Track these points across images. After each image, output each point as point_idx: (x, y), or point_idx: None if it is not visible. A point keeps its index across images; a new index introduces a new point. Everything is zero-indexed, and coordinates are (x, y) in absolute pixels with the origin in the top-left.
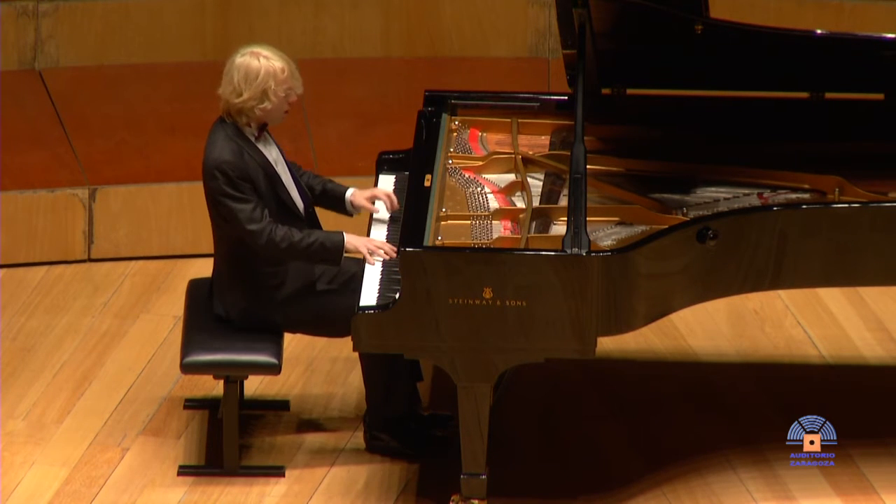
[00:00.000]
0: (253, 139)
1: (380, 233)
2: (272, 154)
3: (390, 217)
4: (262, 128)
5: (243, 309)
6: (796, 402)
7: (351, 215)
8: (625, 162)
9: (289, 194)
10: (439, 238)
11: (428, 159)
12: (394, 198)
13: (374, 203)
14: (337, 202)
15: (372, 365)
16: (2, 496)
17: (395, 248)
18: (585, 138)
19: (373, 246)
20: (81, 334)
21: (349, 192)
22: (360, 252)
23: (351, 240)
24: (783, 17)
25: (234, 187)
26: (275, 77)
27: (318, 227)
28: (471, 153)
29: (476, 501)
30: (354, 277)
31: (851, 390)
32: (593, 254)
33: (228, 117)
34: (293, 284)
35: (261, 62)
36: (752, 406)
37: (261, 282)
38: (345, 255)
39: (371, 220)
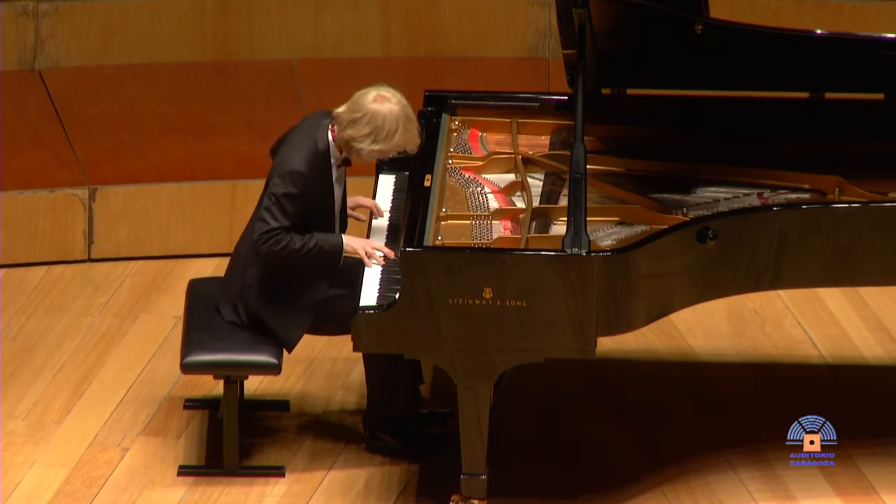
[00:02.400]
0: (334, 168)
1: (379, 236)
2: (339, 190)
3: (389, 219)
4: (348, 160)
5: (253, 302)
6: (796, 402)
7: None
8: (625, 162)
9: (333, 224)
10: (439, 238)
11: (428, 159)
12: (378, 207)
13: (370, 220)
14: None
15: (375, 365)
16: (2, 496)
17: (393, 251)
18: (585, 138)
19: (370, 248)
20: (81, 334)
21: None
22: (358, 254)
23: (350, 241)
24: (783, 17)
25: (287, 197)
26: (405, 136)
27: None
28: (471, 153)
29: (476, 501)
30: (356, 278)
31: (851, 390)
32: (593, 254)
33: (341, 145)
34: (306, 298)
35: (399, 115)
36: (752, 406)
37: (280, 284)
38: (344, 255)
39: (371, 220)
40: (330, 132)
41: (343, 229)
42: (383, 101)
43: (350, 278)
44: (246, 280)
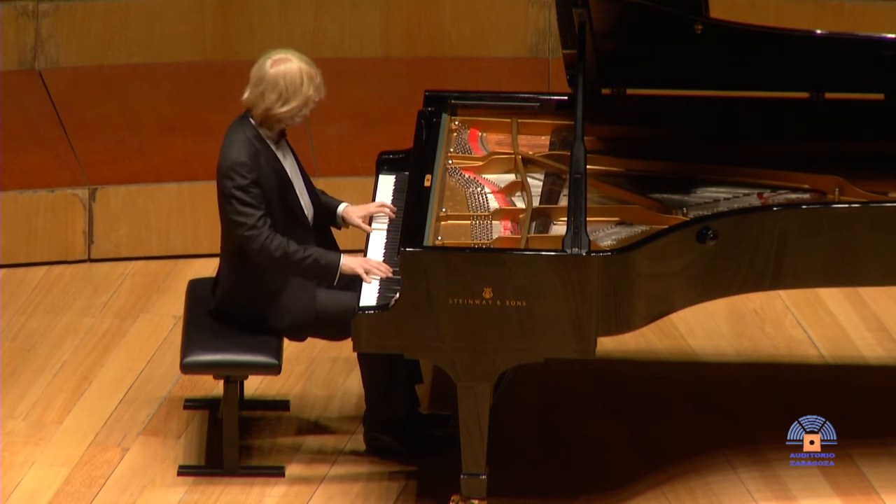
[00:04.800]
0: (273, 144)
1: (379, 235)
2: (287, 161)
3: (390, 220)
4: (283, 133)
5: (241, 306)
6: (796, 402)
7: (339, 228)
8: (625, 162)
9: (299, 203)
10: (439, 238)
11: (428, 159)
12: (390, 206)
13: (370, 221)
14: (329, 214)
15: (370, 367)
16: (2, 496)
17: (391, 269)
18: (585, 138)
19: (370, 266)
20: (81, 334)
21: (341, 207)
22: (356, 272)
23: (347, 262)
24: (783, 17)
25: (245, 191)
26: (312, 82)
27: (332, 239)
28: (471, 153)
29: (476, 501)
30: (355, 280)
31: (851, 390)
32: (593, 254)
33: (262, 125)
34: (294, 290)
35: (298, 66)
36: (752, 406)
37: (263, 284)
38: (341, 273)
39: (371, 221)
40: (251, 119)
41: (319, 206)
42: (278, 63)
43: (349, 279)
44: (237, 292)
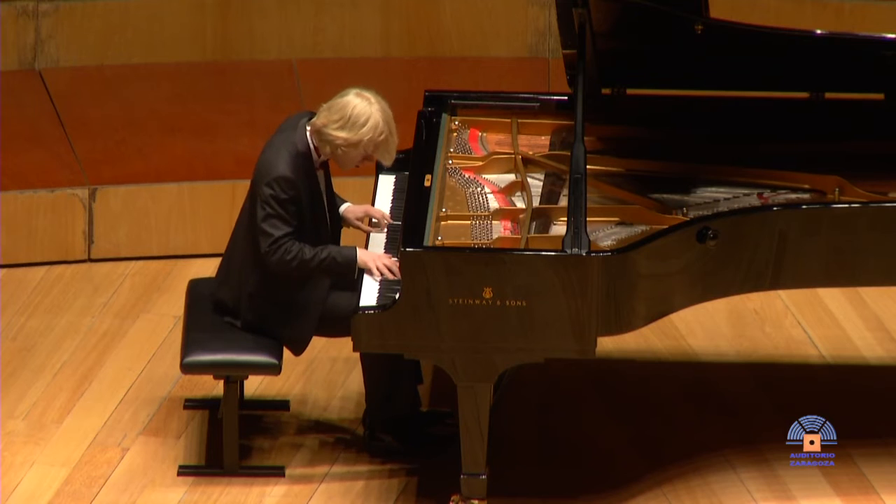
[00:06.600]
0: (316, 166)
1: (379, 235)
2: (322, 185)
3: (388, 224)
4: (325, 162)
5: (250, 307)
6: (796, 402)
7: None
8: (625, 162)
9: (327, 227)
10: (439, 238)
11: (428, 159)
12: (387, 216)
13: (369, 221)
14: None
15: (373, 366)
16: (2, 496)
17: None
18: (585, 138)
19: (381, 264)
20: (81, 334)
21: (343, 207)
22: (368, 267)
23: (362, 255)
24: (783, 17)
25: (282, 205)
26: (374, 132)
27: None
28: (471, 153)
29: (476, 501)
30: (357, 278)
31: (851, 390)
32: (593, 254)
33: (313, 136)
34: (310, 297)
35: (371, 111)
36: (752, 406)
37: (276, 290)
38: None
39: (370, 222)
40: (308, 133)
41: (337, 229)
42: (363, 98)
43: (351, 279)
44: (246, 290)
